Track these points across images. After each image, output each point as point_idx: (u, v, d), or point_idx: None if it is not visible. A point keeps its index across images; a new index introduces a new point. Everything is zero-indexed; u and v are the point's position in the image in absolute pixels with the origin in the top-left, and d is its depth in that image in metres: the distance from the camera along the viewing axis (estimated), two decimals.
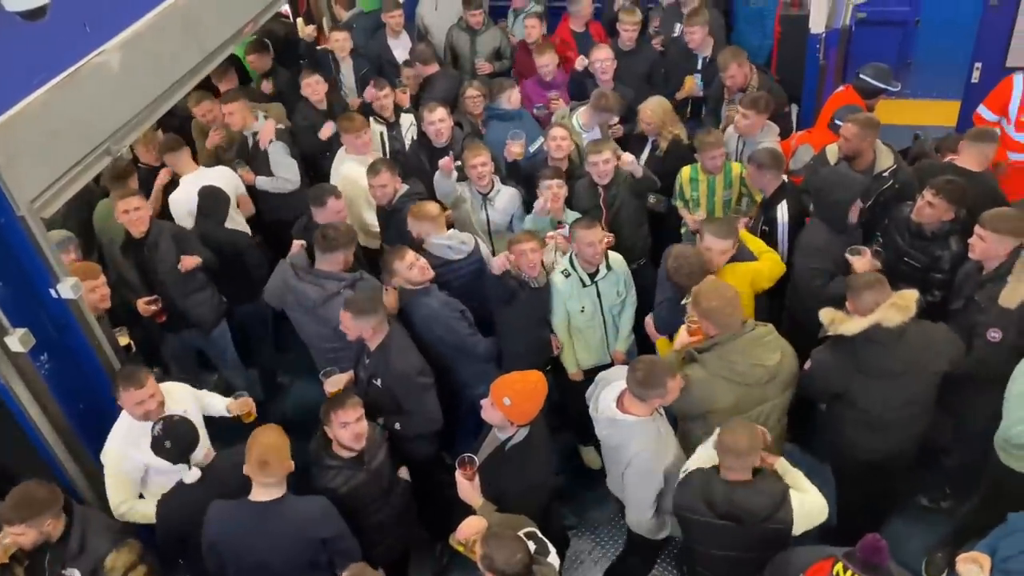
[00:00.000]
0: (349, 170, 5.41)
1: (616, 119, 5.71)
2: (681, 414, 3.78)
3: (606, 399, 3.56)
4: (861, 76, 5.38)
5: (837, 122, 5.08)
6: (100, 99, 3.77)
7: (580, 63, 6.15)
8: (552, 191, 4.79)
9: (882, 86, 5.34)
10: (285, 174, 5.64)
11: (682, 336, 3.80)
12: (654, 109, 5.38)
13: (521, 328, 4.47)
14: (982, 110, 5.65)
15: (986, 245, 3.85)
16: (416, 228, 4.57)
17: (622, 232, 4.98)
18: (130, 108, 4.00)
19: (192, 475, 3.54)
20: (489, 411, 3.51)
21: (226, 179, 5.42)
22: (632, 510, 3.65)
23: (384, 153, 5.82)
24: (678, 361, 3.76)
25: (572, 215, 4.95)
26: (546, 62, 6.20)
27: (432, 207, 4.63)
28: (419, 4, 7.64)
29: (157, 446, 3.52)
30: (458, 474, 3.42)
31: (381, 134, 5.87)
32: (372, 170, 4.93)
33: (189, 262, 4.76)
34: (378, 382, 4.00)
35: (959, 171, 4.53)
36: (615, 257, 4.57)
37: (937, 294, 4.23)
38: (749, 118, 5.15)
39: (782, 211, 4.67)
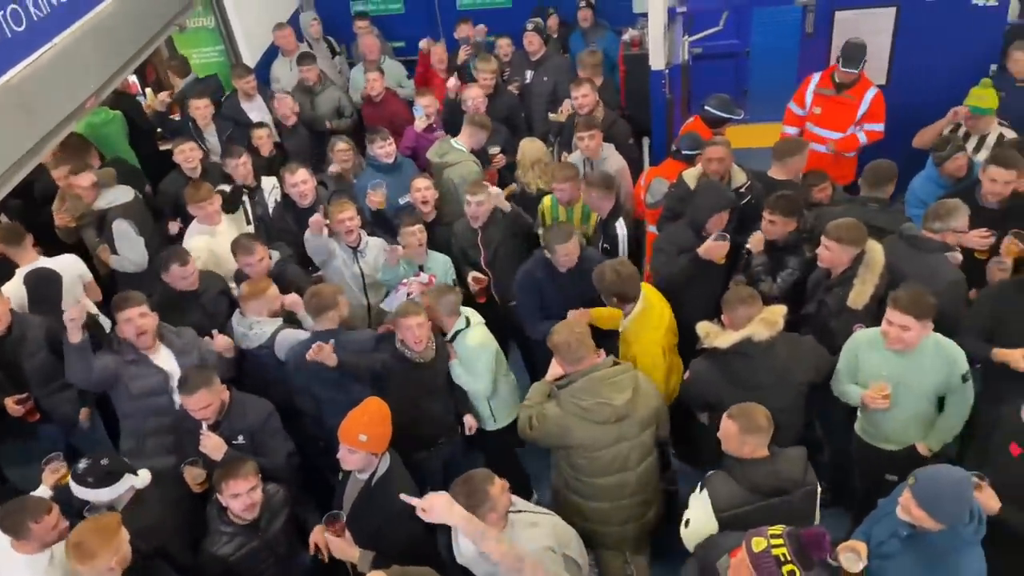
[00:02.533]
0: (198, 244, 5.17)
1: (497, 149, 5.96)
2: (543, 444, 3.86)
3: (462, 539, 3.33)
4: (706, 107, 5.75)
5: (685, 152, 5.41)
6: None
7: (452, 88, 6.39)
8: (415, 237, 4.87)
9: (726, 115, 5.72)
10: (129, 254, 5.36)
11: (554, 368, 3.87)
12: (523, 152, 5.67)
13: (404, 406, 4.19)
14: (791, 105, 6.23)
15: (831, 254, 4.14)
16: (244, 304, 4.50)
17: (501, 272, 5.08)
18: None
19: (143, 477, 3.53)
20: (349, 458, 3.51)
21: (69, 266, 5.08)
22: None
23: (247, 220, 5.68)
24: (544, 393, 3.84)
25: (436, 258, 5.01)
26: (426, 103, 6.33)
27: (255, 286, 4.51)
28: (273, 66, 7.63)
29: (94, 473, 3.44)
30: (327, 534, 3.39)
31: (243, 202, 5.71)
32: (244, 249, 4.75)
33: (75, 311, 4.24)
34: (240, 440, 3.92)
35: (775, 181, 5.01)
36: (476, 344, 4.38)
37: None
38: (583, 140, 5.50)
39: (621, 227, 5.00)
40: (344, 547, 3.38)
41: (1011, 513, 3.26)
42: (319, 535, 3.54)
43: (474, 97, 6.18)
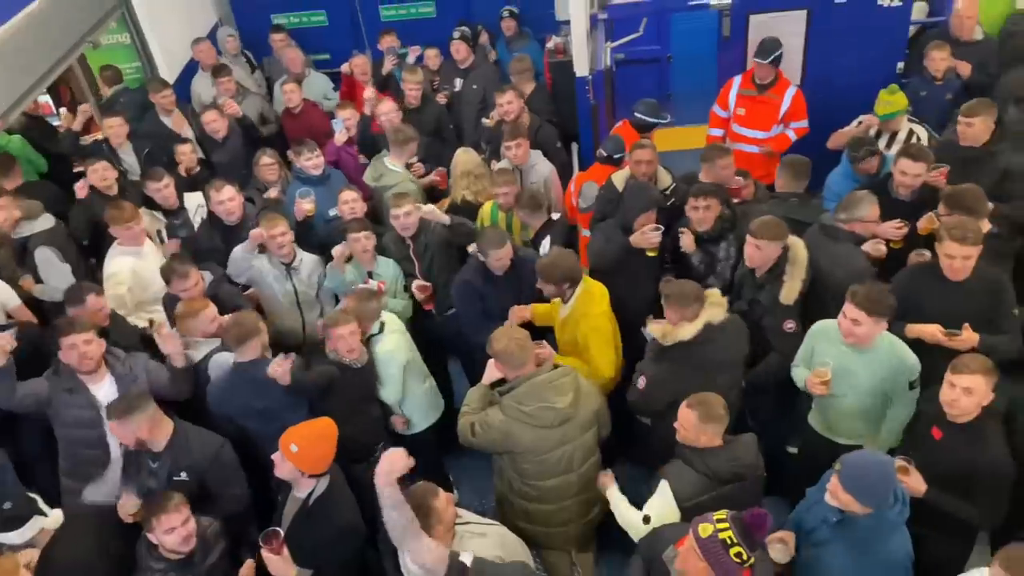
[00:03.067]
0: (121, 267, 4.99)
1: (415, 159, 5.87)
2: (486, 451, 3.87)
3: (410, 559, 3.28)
4: (636, 113, 5.84)
5: (609, 155, 5.50)
6: None
7: (369, 98, 6.28)
8: (361, 243, 4.83)
9: (655, 120, 5.82)
10: (55, 282, 5.09)
11: (490, 371, 3.85)
12: (455, 162, 5.69)
13: (345, 412, 4.22)
14: (715, 107, 6.41)
15: (761, 252, 4.25)
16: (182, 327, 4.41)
17: (437, 282, 5.06)
18: None
19: (54, 517, 3.42)
20: (280, 464, 3.45)
21: None
22: None
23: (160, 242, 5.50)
24: (483, 398, 3.84)
25: (385, 264, 4.99)
26: (347, 115, 6.27)
27: (191, 306, 4.42)
28: (194, 80, 7.46)
29: None
30: (264, 551, 3.30)
31: (159, 232, 5.51)
32: (180, 274, 4.60)
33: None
34: (183, 476, 3.77)
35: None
36: (386, 351, 4.41)
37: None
38: (511, 149, 5.56)
39: (545, 245, 5.05)
40: (282, 565, 3.30)
41: (936, 494, 3.39)
42: (249, 570, 3.48)
43: (387, 112, 6.08)
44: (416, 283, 4.98)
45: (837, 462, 3.07)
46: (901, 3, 6.17)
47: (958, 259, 3.88)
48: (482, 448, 3.81)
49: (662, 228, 4.64)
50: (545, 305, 4.52)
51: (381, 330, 4.46)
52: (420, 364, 4.69)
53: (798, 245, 4.30)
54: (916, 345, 3.91)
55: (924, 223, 4.50)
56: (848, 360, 3.84)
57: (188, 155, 6.10)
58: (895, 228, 4.57)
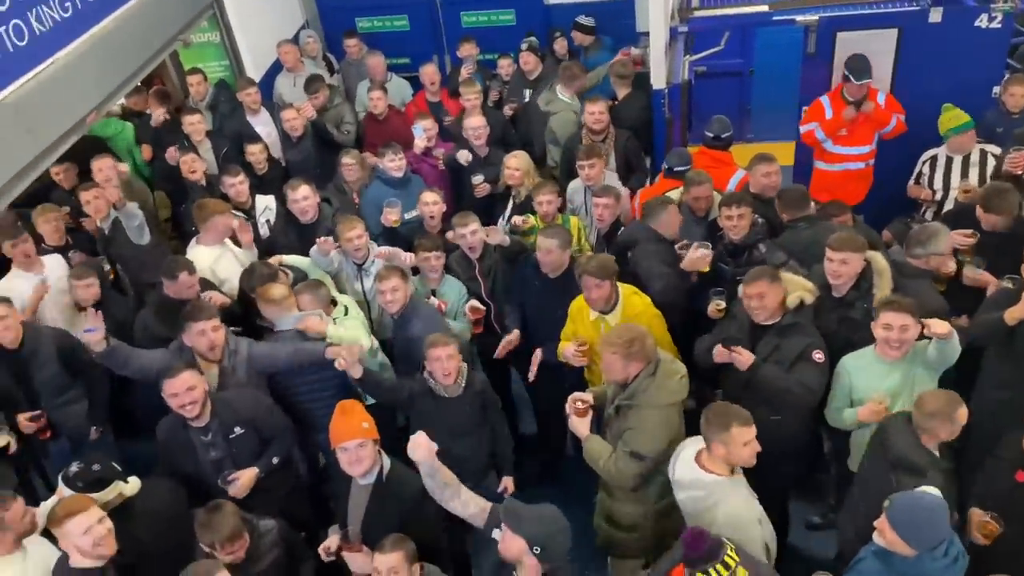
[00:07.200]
0: (200, 260, 5.08)
1: (481, 178, 5.92)
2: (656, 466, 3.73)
3: (685, 460, 3.48)
4: (706, 132, 5.73)
5: (676, 169, 5.47)
6: None
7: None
8: (430, 263, 4.85)
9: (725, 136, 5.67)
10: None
11: (579, 425, 3.82)
12: (519, 162, 5.67)
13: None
14: (809, 126, 6.16)
15: (848, 266, 4.06)
16: (263, 311, 4.52)
17: (502, 301, 5.03)
18: None
19: (133, 484, 3.62)
20: (361, 454, 3.46)
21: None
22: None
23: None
24: (603, 443, 3.81)
25: (451, 283, 4.97)
26: (427, 124, 6.32)
27: (276, 289, 4.51)
28: (277, 81, 7.65)
29: (84, 478, 3.52)
30: (346, 553, 3.35)
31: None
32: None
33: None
34: (237, 431, 3.95)
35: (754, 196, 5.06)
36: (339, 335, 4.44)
37: None
38: (584, 168, 5.42)
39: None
40: (367, 561, 3.31)
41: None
42: (333, 542, 3.51)
43: (475, 127, 6.07)
44: (468, 304, 4.83)
45: (888, 499, 2.96)
46: (1000, 26, 5.88)
47: None
48: (652, 467, 3.65)
49: (709, 245, 4.54)
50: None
51: (346, 313, 4.62)
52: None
53: (877, 256, 4.19)
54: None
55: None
56: (893, 378, 3.78)
57: (257, 154, 6.22)
58: (964, 236, 4.46)
